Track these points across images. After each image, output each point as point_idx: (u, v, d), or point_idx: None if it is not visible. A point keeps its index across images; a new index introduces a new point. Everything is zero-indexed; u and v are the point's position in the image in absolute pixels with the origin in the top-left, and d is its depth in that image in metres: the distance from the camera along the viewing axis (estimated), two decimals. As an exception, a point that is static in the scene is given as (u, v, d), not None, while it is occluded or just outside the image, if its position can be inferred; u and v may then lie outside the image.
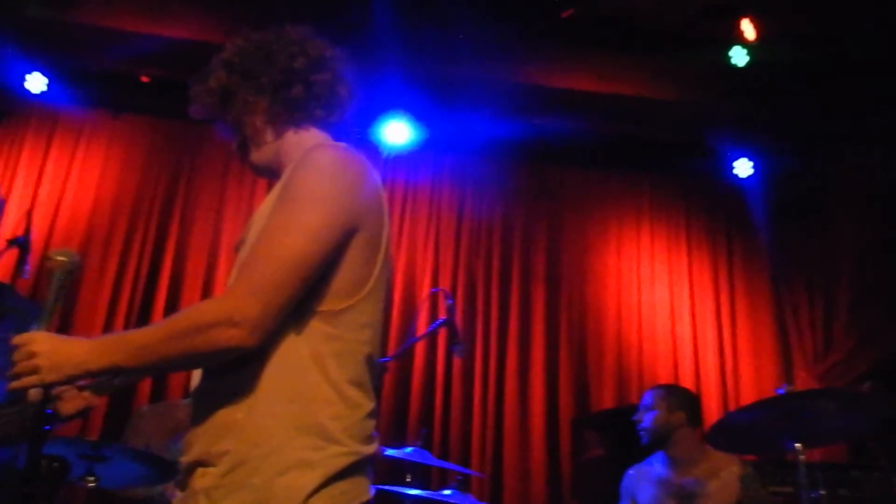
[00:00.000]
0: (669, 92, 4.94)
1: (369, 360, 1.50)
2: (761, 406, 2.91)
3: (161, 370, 1.52)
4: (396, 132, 5.11)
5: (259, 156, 1.66)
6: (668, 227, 5.47)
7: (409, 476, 3.52)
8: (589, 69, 4.90)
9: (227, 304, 1.35)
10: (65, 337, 1.47)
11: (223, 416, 1.40)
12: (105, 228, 4.98)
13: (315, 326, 1.42)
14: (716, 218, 5.52)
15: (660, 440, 3.42)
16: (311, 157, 1.47)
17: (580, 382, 5.02)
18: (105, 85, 5.11)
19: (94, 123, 5.23)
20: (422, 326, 4.74)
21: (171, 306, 4.74)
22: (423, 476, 3.73)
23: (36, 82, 4.92)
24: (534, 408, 4.89)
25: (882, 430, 4.09)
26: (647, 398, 3.51)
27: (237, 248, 1.62)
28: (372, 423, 1.48)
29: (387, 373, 4.33)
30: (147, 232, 5.02)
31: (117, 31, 4.71)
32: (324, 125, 1.67)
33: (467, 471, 3.96)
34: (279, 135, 1.63)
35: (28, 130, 5.14)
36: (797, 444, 2.72)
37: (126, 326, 4.54)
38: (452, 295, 5.00)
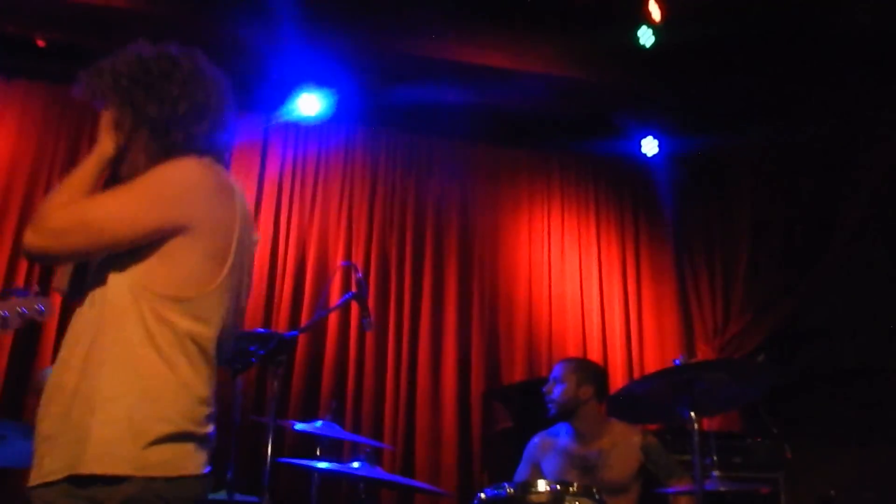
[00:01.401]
0: (578, 70, 5.02)
1: (204, 353, 1.66)
2: (657, 377, 3.04)
3: None
4: (308, 103, 5.05)
5: (127, 171, 1.77)
6: (577, 203, 5.60)
7: (318, 449, 3.52)
8: (498, 45, 4.93)
9: (56, 218, 1.61)
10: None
11: (62, 380, 1.60)
12: (0, 196, 4.74)
13: (153, 308, 1.61)
14: (623, 194, 5.67)
15: (567, 413, 3.50)
16: (165, 164, 1.69)
17: (491, 355, 5.10)
18: (-3, 48, 4.84)
19: (-15, 89, 4.95)
20: (334, 299, 4.71)
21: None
22: (334, 450, 3.72)
23: (-80, 43, 4.63)
24: (446, 381, 4.95)
25: (773, 400, 4.33)
26: (557, 371, 3.58)
27: None
28: (204, 410, 1.64)
29: (294, 347, 4.30)
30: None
31: (11, -9, 4.46)
32: (195, 152, 1.78)
33: (377, 443, 3.97)
34: (153, 162, 1.74)
35: (-88, 94, 4.82)
36: (691, 413, 2.84)
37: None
38: (366, 267, 5.00)
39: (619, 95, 5.18)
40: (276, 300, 4.89)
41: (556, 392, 3.52)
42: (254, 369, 4.13)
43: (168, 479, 1.54)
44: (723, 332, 5.33)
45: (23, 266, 4.64)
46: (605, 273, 5.46)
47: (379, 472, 3.11)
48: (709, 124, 5.23)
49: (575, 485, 2.86)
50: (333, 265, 5.02)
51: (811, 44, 4.64)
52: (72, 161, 4.89)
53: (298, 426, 3.36)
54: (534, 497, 2.89)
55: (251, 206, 5.00)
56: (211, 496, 3.26)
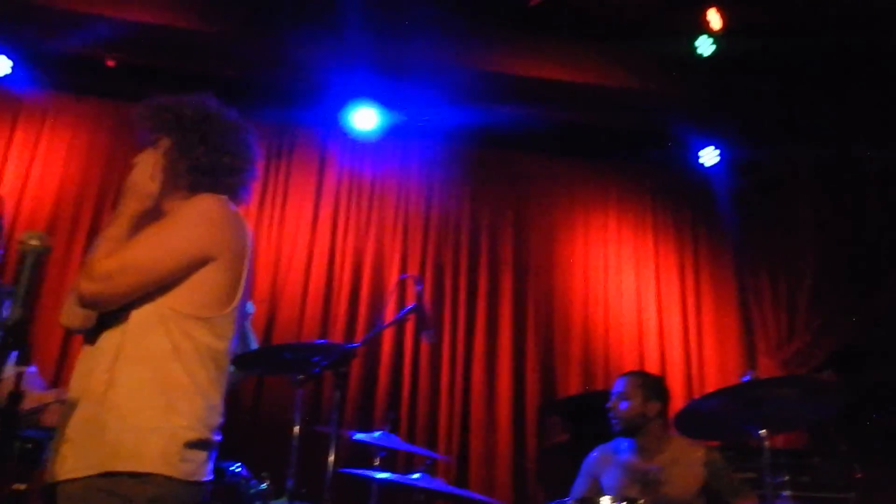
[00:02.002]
0: (635, 81, 4.98)
1: (220, 366, 1.86)
2: (726, 393, 2.95)
3: None
4: (364, 119, 5.13)
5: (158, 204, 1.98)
6: (634, 215, 5.53)
7: (376, 460, 3.53)
8: (555, 57, 4.93)
9: (106, 267, 1.76)
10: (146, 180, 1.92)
11: (88, 388, 1.75)
12: (71, 212, 4.92)
13: (178, 326, 1.79)
14: (682, 206, 5.59)
15: (633, 429, 3.41)
16: (191, 201, 1.90)
17: (547, 368, 5.07)
18: (69, 68, 5.03)
19: (58, 107, 5.16)
20: (390, 313, 4.74)
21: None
22: (389, 460, 3.74)
23: (1, 64, 4.84)
24: (501, 393, 4.93)
25: (841, 418, 4.18)
26: (621, 385, 3.49)
27: None
28: (218, 419, 1.83)
29: (355, 358, 4.33)
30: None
31: (83, 14, 4.64)
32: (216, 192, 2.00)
33: (434, 455, 3.97)
34: (180, 196, 1.97)
35: (-8, 113, 5.05)
36: (762, 431, 2.77)
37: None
38: (421, 281, 5.02)
39: (677, 105, 5.11)
40: (332, 313, 4.95)
41: (622, 407, 3.43)
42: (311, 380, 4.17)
43: (186, 483, 1.71)
44: (786, 347, 5.19)
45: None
46: (664, 285, 5.38)
47: (440, 484, 3.11)
48: (770, 135, 5.14)
49: (641, 502, 2.80)
50: (389, 278, 5.07)
51: (880, 57, 4.51)
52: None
53: (358, 436, 3.38)
54: (599, 512, 2.85)
55: (309, 219, 5.13)
56: (273, 503, 3.32)
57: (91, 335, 1.86)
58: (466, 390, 4.92)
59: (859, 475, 4.10)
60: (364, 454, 4.11)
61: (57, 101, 5.16)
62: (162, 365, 1.76)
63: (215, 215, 1.88)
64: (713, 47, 4.67)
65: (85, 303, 1.78)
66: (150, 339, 1.77)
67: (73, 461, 1.69)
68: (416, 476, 3.08)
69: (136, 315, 1.79)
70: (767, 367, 5.14)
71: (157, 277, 1.79)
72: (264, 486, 3.30)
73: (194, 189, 1.96)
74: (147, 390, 1.73)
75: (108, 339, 1.80)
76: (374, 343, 4.82)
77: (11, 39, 4.82)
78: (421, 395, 4.84)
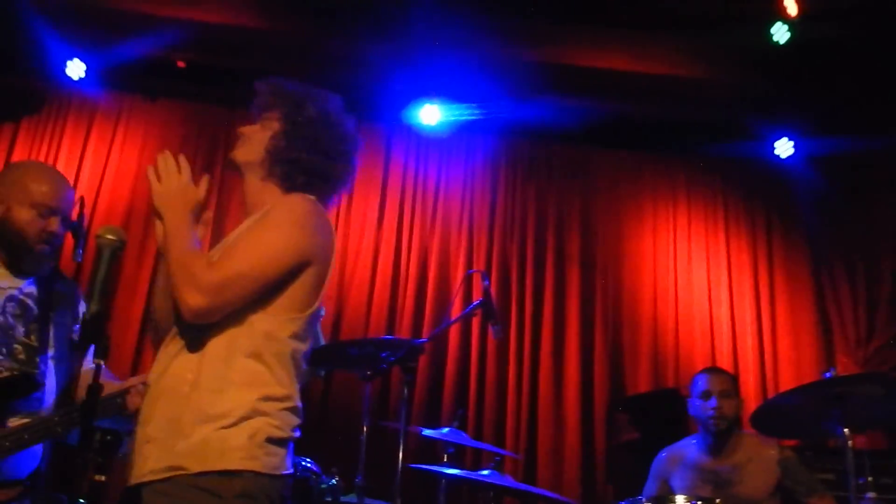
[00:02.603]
0: (707, 71, 4.85)
1: (299, 367, 1.88)
2: (807, 390, 2.87)
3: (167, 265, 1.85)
4: (429, 115, 5.14)
5: (242, 160, 2.02)
6: (705, 209, 5.39)
7: (445, 456, 3.53)
8: (623, 49, 4.83)
9: (212, 278, 1.75)
10: (185, 185, 1.89)
11: (173, 388, 1.78)
12: (144, 210, 5.05)
13: (265, 327, 1.81)
14: (755, 199, 5.41)
15: (732, 428, 3.37)
16: (287, 202, 1.90)
17: (615, 364, 4.99)
18: (141, 70, 5.17)
19: (131, 108, 5.31)
20: (457, 309, 4.73)
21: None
22: (457, 456, 3.73)
23: (76, 68, 5.01)
24: (568, 390, 4.87)
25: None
26: (723, 383, 3.42)
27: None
28: (297, 420, 1.85)
29: (422, 354, 4.34)
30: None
31: (154, 17, 4.76)
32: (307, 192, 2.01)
33: (503, 451, 3.95)
34: (264, 177, 1.99)
35: (69, 115, 5.23)
36: (845, 430, 2.68)
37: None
38: (488, 277, 4.99)
39: (751, 95, 4.95)
40: (398, 309, 4.97)
41: (729, 407, 3.36)
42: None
43: (271, 477, 1.74)
44: (866, 345, 5.01)
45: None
46: (736, 281, 5.23)
47: (510, 481, 3.09)
48: (849, 126, 4.94)
49: (718, 501, 2.74)
50: (454, 274, 5.06)
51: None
52: (208, 173, 5.15)
53: (426, 432, 3.38)
54: (674, 512, 2.79)
55: (375, 216, 5.16)
56: (343, 499, 3.35)
57: (172, 333, 1.89)
58: (533, 387, 4.88)
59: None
60: (431, 450, 4.12)
61: (130, 102, 5.31)
62: (246, 365, 1.78)
63: (313, 220, 1.88)
64: (789, 34, 4.51)
65: (193, 316, 1.76)
66: (236, 340, 1.79)
67: (159, 461, 1.73)
68: (485, 472, 3.06)
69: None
70: (846, 366, 4.96)
71: (264, 285, 1.79)
72: (334, 481, 3.33)
73: (285, 182, 1.96)
74: (232, 390, 1.75)
75: (191, 338, 1.82)
76: (440, 339, 4.82)
77: (85, 44, 4.96)
78: (488, 391, 4.82)
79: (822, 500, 3.24)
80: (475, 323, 4.87)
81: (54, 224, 2.41)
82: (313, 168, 1.97)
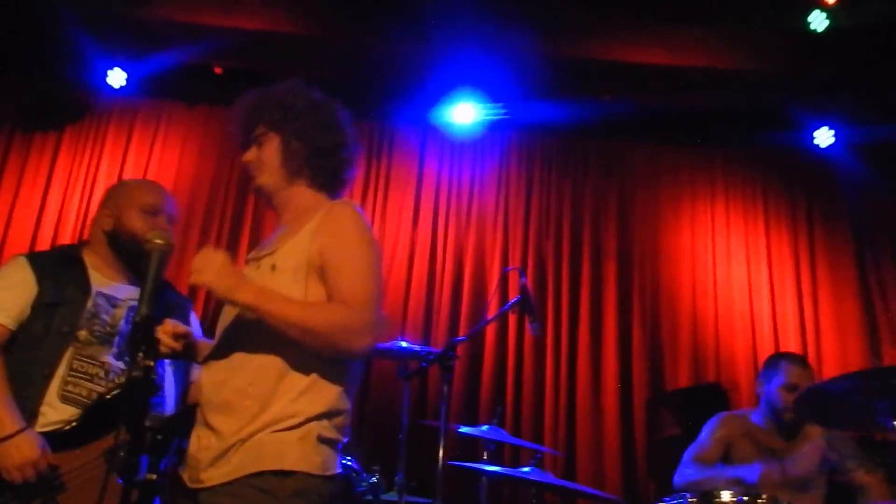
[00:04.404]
0: (743, 61, 4.77)
1: (348, 372, 1.93)
2: (858, 377, 2.80)
3: (282, 330, 1.82)
4: (463, 113, 5.14)
5: (268, 183, 2.11)
6: (743, 201, 5.30)
7: (485, 453, 3.54)
8: (658, 41, 4.77)
9: (363, 317, 1.83)
10: (224, 261, 1.87)
11: (236, 396, 1.84)
12: (183, 217, 5.13)
13: None
14: (795, 190, 5.31)
15: None
16: (343, 211, 1.97)
17: (654, 361, 4.93)
18: (180, 77, 5.26)
19: (170, 115, 5.40)
20: (494, 306, 4.74)
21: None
22: (497, 454, 3.74)
23: (117, 77, 5.12)
24: (607, 386, 4.84)
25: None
26: (812, 380, 3.43)
27: (250, 261, 2.05)
28: (347, 422, 1.93)
29: (460, 353, 4.35)
30: (223, 219, 5.17)
31: (192, 25, 4.84)
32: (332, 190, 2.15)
33: (544, 448, 3.95)
34: (290, 182, 2.08)
35: (110, 123, 5.34)
36: (895, 423, 2.62)
37: (205, 311, 4.71)
38: (525, 274, 4.99)
39: (789, 84, 4.86)
40: (435, 308, 4.97)
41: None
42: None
43: (323, 478, 1.82)
44: (914, 336, 4.89)
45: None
46: (777, 274, 5.14)
47: (550, 478, 3.09)
48: (890, 113, 4.82)
49: (764, 497, 2.72)
50: (491, 272, 5.06)
51: None
52: (247, 180, 5.24)
53: (466, 430, 3.40)
54: (719, 507, 2.77)
55: (410, 214, 5.19)
56: (384, 496, 3.38)
57: (222, 344, 1.94)
58: (572, 383, 4.85)
59: None
60: (471, 448, 4.14)
61: (169, 108, 5.41)
62: (302, 372, 1.84)
63: (368, 226, 1.99)
64: (827, 22, 4.42)
65: (361, 355, 1.89)
66: (291, 348, 1.83)
67: (218, 468, 1.80)
68: (526, 469, 3.07)
69: None
70: (893, 358, 4.86)
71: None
72: (375, 479, 3.36)
73: (316, 178, 2.07)
74: (287, 397, 1.83)
75: (246, 348, 1.87)
76: (477, 337, 4.82)
77: (126, 53, 5.07)
78: (526, 388, 4.81)
79: (874, 476, 3.22)
80: (512, 320, 4.86)
81: (163, 222, 2.56)
82: (334, 146, 2.07)
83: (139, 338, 1.76)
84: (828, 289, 5.12)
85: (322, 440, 1.83)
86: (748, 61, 4.76)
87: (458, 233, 5.18)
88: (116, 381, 2.42)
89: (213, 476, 1.80)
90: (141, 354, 1.75)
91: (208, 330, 2.01)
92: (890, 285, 5.06)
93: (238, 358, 1.88)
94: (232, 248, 5.04)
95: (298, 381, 1.84)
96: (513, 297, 3.55)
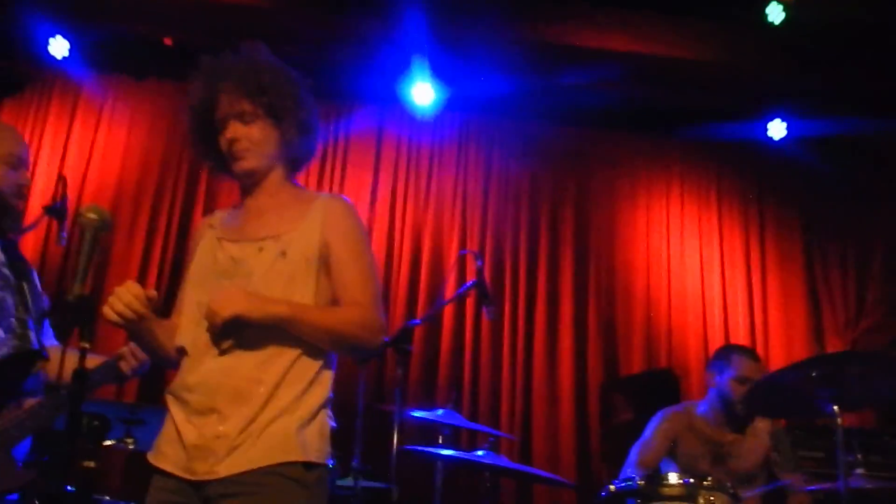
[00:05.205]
0: (700, 51, 4.82)
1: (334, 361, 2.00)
2: (798, 368, 2.88)
3: (310, 336, 1.86)
4: (422, 94, 5.07)
5: (257, 168, 2.02)
6: (698, 188, 5.39)
7: (440, 437, 3.53)
8: (616, 28, 4.79)
9: (376, 315, 1.92)
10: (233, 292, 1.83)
11: (249, 390, 1.83)
12: (133, 194, 4.99)
13: None
14: (748, 181, 5.41)
15: None
16: (344, 207, 2.02)
17: (609, 344, 5.00)
18: (128, 49, 5.08)
19: (117, 88, 5.21)
20: (450, 289, 4.72)
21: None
22: (453, 438, 3.73)
23: (59, 47, 4.88)
24: (562, 372, 4.88)
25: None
26: (762, 373, 3.41)
27: (238, 240, 1.96)
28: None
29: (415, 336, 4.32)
30: (175, 196, 5.03)
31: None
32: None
33: (499, 433, 3.95)
34: (271, 167, 2.05)
35: (53, 95, 5.13)
36: (835, 408, 2.70)
37: (159, 284, 4.59)
38: (481, 257, 4.98)
39: (744, 77, 4.93)
40: (392, 291, 4.93)
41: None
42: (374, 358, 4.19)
43: (328, 466, 1.89)
44: (855, 326, 5.06)
45: (154, 260, 4.88)
46: (728, 263, 5.24)
47: (505, 461, 3.09)
48: (843, 107, 4.93)
49: (710, 478, 2.75)
50: (448, 256, 5.03)
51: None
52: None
53: (420, 414, 3.38)
54: (666, 490, 2.80)
55: (368, 194, 5.12)
56: (339, 482, 3.34)
57: (218, 336, 1.85)
58: (528, 367, 4.88)
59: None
60: (427, 432, 4.12)
61: (116, 82, 5.21)
62: (312, 363, 1.88)
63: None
64: (783, 15, 4.48)
65: (371, 353, 2.01)
66: (299, 339, 1.86)
67: (237, 457, 1.77)
68: (480, 453, 3.06)
69: None
70: (835, 346, 5.03)
71: None
72: (330, 464, 3.31)
73: (295, 164, 2.10)
74: (301, 387, 1.86)
75: (249, 339, 1.83)
76: (434, 320, 4.80)
77: (69, 20, 4.84)
78: (482, 372, 4.82)
79: (795, 475, 3.32)
80: (469, 303, 4.86)
81: (25, 176, 2.33)
82: (310, 125, 2.07)
83: (73, 318, 1.65)
84: (776, 274, 5.26)
85: (329, 431, 1.91)
86: (704, 52, 4.81)
87: (416, 212, 5.13)
88: None
89: (234, 464, 1.76)
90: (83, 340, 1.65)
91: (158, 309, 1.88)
92: (834, 274, 5.22)
93: (246, 343, 1.84)
94: (184, 228, 4.91)
95: (309, 368, 1.87)
96: (470, 280, 3.53)
